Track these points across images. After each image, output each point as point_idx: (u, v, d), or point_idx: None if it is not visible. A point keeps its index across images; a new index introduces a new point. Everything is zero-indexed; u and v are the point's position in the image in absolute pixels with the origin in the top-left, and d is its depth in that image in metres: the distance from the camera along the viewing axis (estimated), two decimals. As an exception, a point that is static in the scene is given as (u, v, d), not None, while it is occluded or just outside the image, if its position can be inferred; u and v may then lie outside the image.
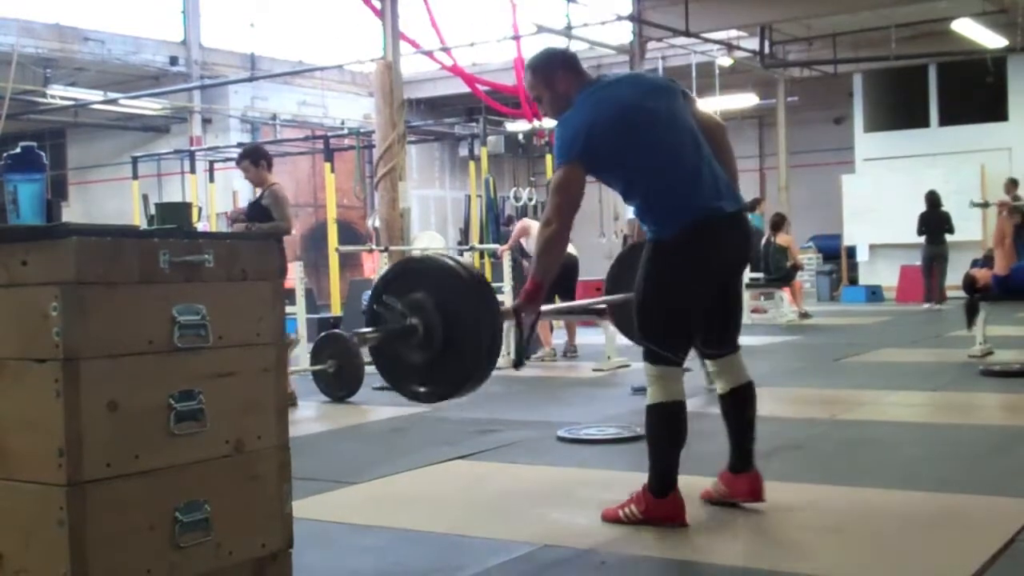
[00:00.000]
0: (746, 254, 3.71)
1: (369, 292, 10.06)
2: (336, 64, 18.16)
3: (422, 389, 3.41)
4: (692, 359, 4.50)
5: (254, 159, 7.09)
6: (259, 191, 7.19)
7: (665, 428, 3.48)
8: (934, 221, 14.82)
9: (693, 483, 3.68)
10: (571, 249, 9.84)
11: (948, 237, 14.84)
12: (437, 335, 3.31)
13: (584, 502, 4.01)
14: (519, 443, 5.23)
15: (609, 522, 3.55)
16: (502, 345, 3.54)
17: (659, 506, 3.48)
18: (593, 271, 12.98)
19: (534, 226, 9.66)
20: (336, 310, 13.39)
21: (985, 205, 11.44)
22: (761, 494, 3.66)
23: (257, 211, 6.81)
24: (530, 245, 9.73)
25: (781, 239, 13.45)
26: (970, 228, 16.45)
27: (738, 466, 3.68)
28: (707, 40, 17.32)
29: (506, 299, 9.84)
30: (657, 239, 3.46)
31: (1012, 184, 15.89)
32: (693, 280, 3.46)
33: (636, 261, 8.29)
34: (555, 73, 3.59)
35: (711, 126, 3.66)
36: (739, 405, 3.68)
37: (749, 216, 14.18)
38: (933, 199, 14.84)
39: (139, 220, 13.07)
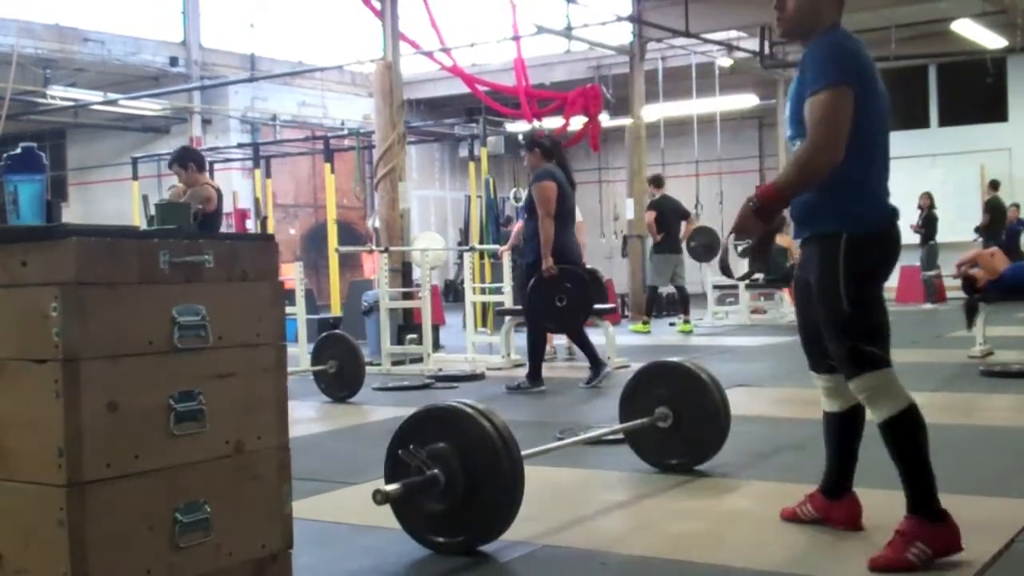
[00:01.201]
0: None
1: (369, 292, 10.07)
2: (336, 64, 18.17)
3: (440, 540, 3.35)
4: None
5: (182, 162, 7.34)
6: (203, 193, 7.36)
7: (922, 433, 3.09)
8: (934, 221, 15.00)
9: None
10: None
11: (949, 237, 14.93)
12: (459, 486, 3.27)
13: (584, 502, 4.01)
14: (519, 443, 5.22)
15: (889, 571, 3.00)
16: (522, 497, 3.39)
17: (940, 534, 3.05)
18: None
19: None
20: (336, 310, 13.39)
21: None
22: (860, 520, 3.42)
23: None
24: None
25: (781, 239, 13.44)
26: (969, 229, 16.46)
27: (836, 491, 3.43)
28: (707, 41, 17.32)
29: (506, 299, 9.85)
30: (852, 233, 3.10)
31: (994, 186, 15.95)
32: (881, 278, 3.20)
33: (557, 289, 8.10)
34: None
35: None
36: (851, 427, 3.40)
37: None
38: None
39: (139, 221, 13.07)
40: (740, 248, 3.27)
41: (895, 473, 4.39)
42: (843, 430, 3.39)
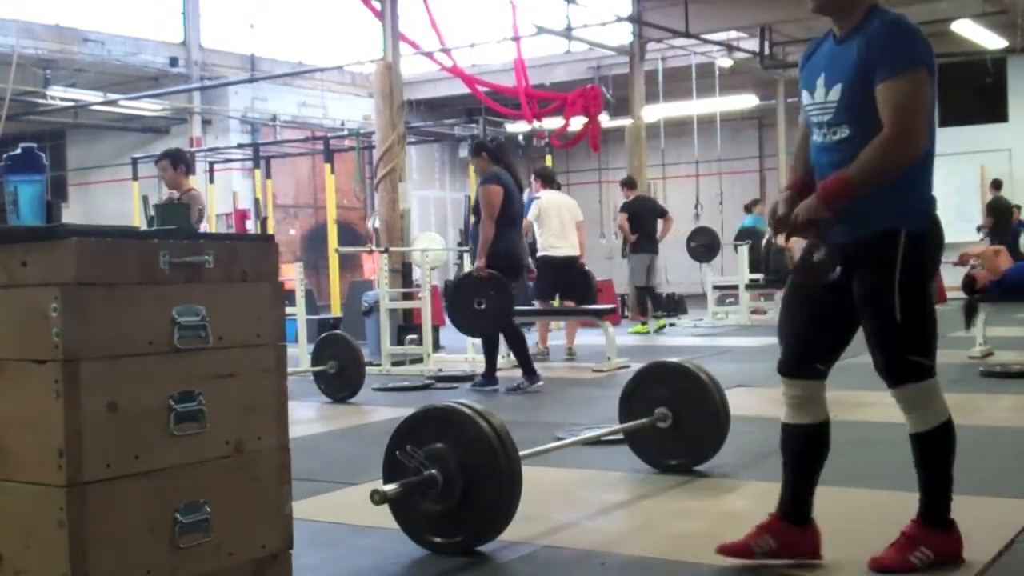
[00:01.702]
0: None
1: (369, 293, 10.07)
2: (336, 65, 18.16)
3: (438, 540, 3.35)
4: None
5: (173, 161, 7.44)
6: (174, 193, 7.40)
7: (952, 449, 3.03)
8: None
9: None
10: (571, 251, 9.86)
11: (949, 237, 14.90)
12: (456, 487, 3.27)
13: (584, 502, 4.01)
14: (518, 444, 5.22)
15: (891, 572, 2.97)
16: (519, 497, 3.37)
17: (946, 542, 2.99)
18: (593, 272, 13.00)
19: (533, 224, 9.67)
20: (336, 311, 13.40)
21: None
22: (820, 553, 3.11)
23: None
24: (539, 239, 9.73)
25: (782, 240, 13.44)
26: (969, 229, 16.46)
27: (802, 517, 3.08)
28: (707, 41, 17.32)
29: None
30: (911, 229, 2.89)
31: (996, 186, 15.96)
32: (933, 277, 3.01)
33: (477, 290, 8.29)
34: None
35: None
36: (819, 443, 3.11)
37: (748, 217, 14.14)
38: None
39: (139, 221, 13.08)
40: (817, 254, 2.93)
41: (896, 473, 4.39)
42: (811, 447, 3.08)
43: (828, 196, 2.83)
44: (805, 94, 3.02)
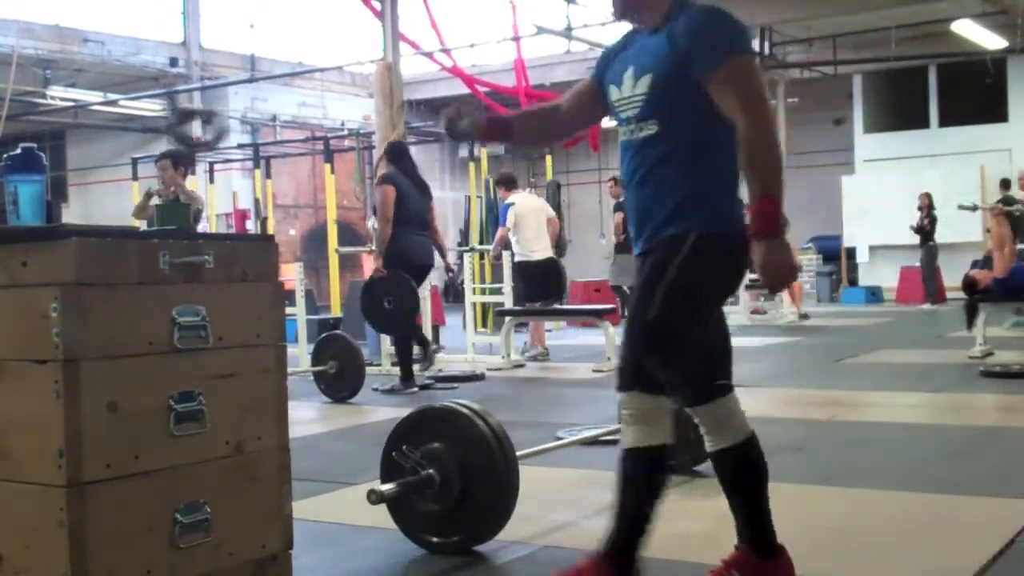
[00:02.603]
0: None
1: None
2: (336, 65, 18.17)
3: (435, 540, 3.34)
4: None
5: (177, 161, 7.60)
6: (172, 190, 7.50)
7: (763, 465, 2.72)
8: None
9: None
10: (549, 253, 9.88)
11: (948, 237, 14.94)
12: (454, 487, 3.27)
13: (584, 502, 4.01)
14: (519, 444, 5.21)
15: None
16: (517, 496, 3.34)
17: (769, 571, 2.75)
18: (592, 272, 13.01)
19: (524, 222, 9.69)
20: (336, 311, 13.39)
21: (973, 208, 11.46)
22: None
23: None
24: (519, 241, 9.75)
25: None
26: (970, 229, 16.45)
27: (770, 546, 2.77)
28: (707, 41, 17.31)
29: (506, 300, 9.85)
30: (703, 231, 2.60)
31: (1004, 185, 15.94)
32: (727, 294, 2.78)
33: (384, 291, 8.43)
34: None
35: None
36: (746, 467, 2.75)
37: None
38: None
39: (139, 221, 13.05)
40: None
41: (896, 473, 4.40)
42: (656, 472, 2.73)
43: (766, 225, 2.47)
44: (612, 89, 2.79)
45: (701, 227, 2.59)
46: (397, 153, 7.90)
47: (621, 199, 12.73)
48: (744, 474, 2.72)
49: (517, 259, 9.72)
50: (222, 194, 17.51)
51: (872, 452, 4.94)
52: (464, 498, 3.28)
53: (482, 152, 14.24)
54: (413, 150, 9.57)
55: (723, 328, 2.78)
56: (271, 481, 2.58)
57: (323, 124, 19.64)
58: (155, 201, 7.61)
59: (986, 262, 9.39)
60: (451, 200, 23.69)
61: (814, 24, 17.77)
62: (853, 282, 19.03)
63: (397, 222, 7.41)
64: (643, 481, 2.71)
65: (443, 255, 8.12)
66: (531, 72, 15.13)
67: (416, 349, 7.99)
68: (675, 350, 2.60)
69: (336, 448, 5.54)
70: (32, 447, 2.22)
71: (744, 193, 2.58)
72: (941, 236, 15.24)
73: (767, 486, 2.73)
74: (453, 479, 3.27)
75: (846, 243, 19.32)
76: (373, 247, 8.08)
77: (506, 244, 9.90)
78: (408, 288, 7.48)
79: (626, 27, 2.87)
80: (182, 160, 7.68)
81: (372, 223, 12.33)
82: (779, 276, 2.50)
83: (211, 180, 16.94)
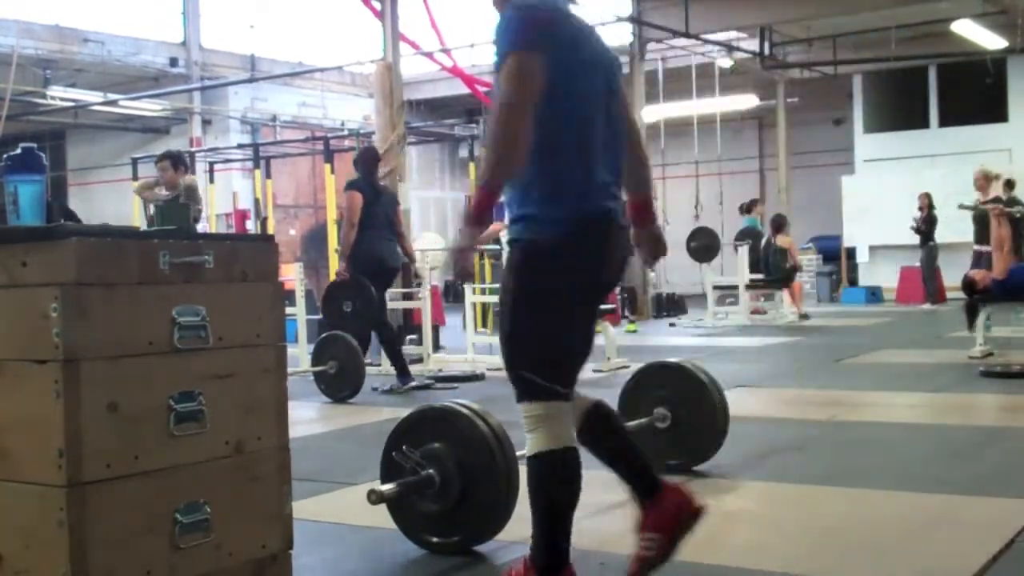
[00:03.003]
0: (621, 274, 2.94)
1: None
2: (336, 65, 18.16)
3: (435, 540, 3.34)
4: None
5: (174, 161, 7.60)
6: (174, 191, 7.52)
7: (557, 484, 2.69)
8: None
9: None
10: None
11: (948, 238, 14.96)
12: (454, 487, 3.27)
13: (584, 502, 4.00)
14: (519, 444, 5.22)
15: None
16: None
17: None
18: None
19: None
20: (336, 311, 13.37)
21: (973, 208, 11.46)
22: (695, 501, 2.85)
23: None
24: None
25: (781, 240, 13.46)
26: (969, 229, 16.43)
27: (650, 490, 2.84)
28: (707, 41, 17.32)
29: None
30: (532, 238, 2.66)
31: (1007, 185, 15.92)
32: (580, 290, 2.74)
33: (345, 295, 8.56)
34: None
35: (633, 129, 3.01)
36: (604, 421, 2.96)
37: (745, 219, 14.20)
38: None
39: (139, 221, 13.06)
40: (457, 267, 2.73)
41: (895, 473, 4.40)
42: (601, 429, 2.94)
43: (465, 213, 2.65)
44: None
45: (529, 234, 2.67)
46: (360, 159, 8.02)
47: None
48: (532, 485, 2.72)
49: None
50: (222, 194, 17.49)
51: (872, 452, 4.94)
52: (464, 498, 3.28)
53: (482, 152, 14.25)
54: (413, 150, 9.59)
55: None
56: (271, 481, 2.58)
57: (323, 124, 19.62)
58: (159, 193, 7.69)
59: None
60: (451, 200, 23.70)
61: (814, 24, 17.77)
62: (853, 282, 19.03)
63: (367, 226, 7.55)
64: (553, 482, 2.70)
65: (411, 260, 8.27)
66: (531, 72, 15.10)
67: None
68: (544, 362, 2.70)
69: (336, 448, 5.54)
70: (32, 447, 2.22)
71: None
72: (941, 236, 15.24)
73: (558, 509, 2.70)
74: (453, 479, 3.27)
75: (846, 243, 19.32)
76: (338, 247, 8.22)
77: (496, 240, 9.88)
78: (367, 291, 7.57)
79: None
80: (181, 160, 7.72)
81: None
82: (452, 262, 2.68)
83: (211, 180, 16.93)
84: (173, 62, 18.71)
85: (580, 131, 2.67)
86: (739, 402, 5.31)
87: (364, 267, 7.55)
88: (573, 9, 2.81)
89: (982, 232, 10.84)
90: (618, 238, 2.77)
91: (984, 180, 11.06)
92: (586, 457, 4.32)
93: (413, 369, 9.00)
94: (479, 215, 2.58)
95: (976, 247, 10.87)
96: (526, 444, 2.73)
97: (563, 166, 2.65)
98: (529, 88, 2.55)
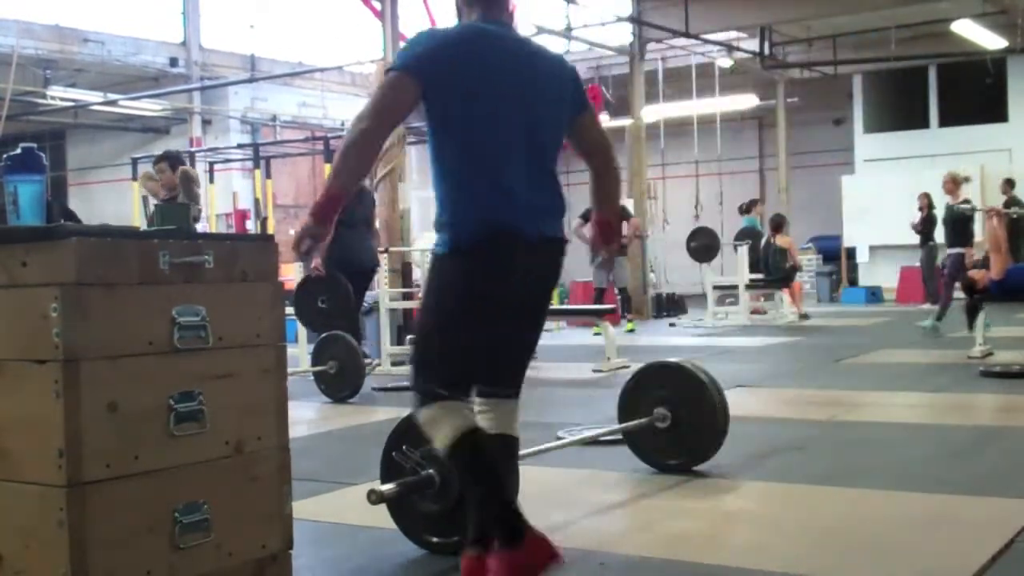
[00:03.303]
0: (550, 288, 3.01)
1: (369, 293, 10.08)
2: (336, 65, 18.15)
3: (435, 540, 3.34)
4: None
5: (172, 163, 7.63)
6: (173, 192, 7.54)
7: (480, 463, 2.77)
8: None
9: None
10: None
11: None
12: (454, 487, 3.25)
13: (584, 502, 4.01)
14: (523, 443, 5.22)
15: None
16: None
17: (519, 557, 2.65)
18: (588, 272, 13.03)
19: None
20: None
21: (973, 210, 11.44)
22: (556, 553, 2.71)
23: None
24: None
25: (781, 240, 13.46)
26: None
27: (517, 535, 2.69)
28: (707, 41, 17.32)
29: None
30: (437, 252, 2.80)
31: (1008, 184, 15.92)
32: (478, 298, 2.77)
33: (320, 290, 8.58)
34: None
35: (601, 148, 3.17)
36: (503, 454, 2.96)
37: (744, 219, 14.21)
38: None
39: (139, 221, 13.07)
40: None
41: (895, 473, 4.40)
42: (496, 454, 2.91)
43: (317, 208, 2.74)
44: None
45: (436, 243, 2.81)
46: None
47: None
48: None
49: None
50: (222, 194, 17.49)
51: (872, 452, 4.94)
52: (464, 498, 3.27)
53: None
54: (413, 150, 9.61)
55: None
56: (271, 481, 2.59)
57: (323, 124, 19.62)
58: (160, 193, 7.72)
59: (984, 262, 9.41)
60: (451, 200, 23.69)
61: (814, 24, 17.77)
62: (853, 282, 19.03)
63: (347, 225, 7.54)
64: (476, 462, 2.79)
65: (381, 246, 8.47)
66: (531, 72, 15.10)
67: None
68: (428, 368, 2.82)
69: (336, 448, 5.54)
70: (32, 447, 2.22)
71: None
72: (940, 236, 15.21)
73: (492, 482, 2.78)
74: (453, 479, 3.27)
75: (846, 243, 19.32)
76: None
77: None
78: (344, 290, 7.60)
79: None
80: (180, 161, 7.74)
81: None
82: (295, 242, 2.75)
83: (211, 180, 16.94)
84: (173, 62, 18.70)
85: (491, 150, 2.77)
86: (739, 402, 5.31)
87: (340, 265, 7.56)
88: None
89: (955, 235, 10.81)
90: (531, 254, 2.80)
91: (952, 184, 11.03)
92: (586, 457, 4.31)
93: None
94: (322, 216, 2.71)
95: (949, 250, 10.82)
96: (433, 445, 2.83)
97: (468, 182, 2.77)
98: (391, 106, 2.73)
